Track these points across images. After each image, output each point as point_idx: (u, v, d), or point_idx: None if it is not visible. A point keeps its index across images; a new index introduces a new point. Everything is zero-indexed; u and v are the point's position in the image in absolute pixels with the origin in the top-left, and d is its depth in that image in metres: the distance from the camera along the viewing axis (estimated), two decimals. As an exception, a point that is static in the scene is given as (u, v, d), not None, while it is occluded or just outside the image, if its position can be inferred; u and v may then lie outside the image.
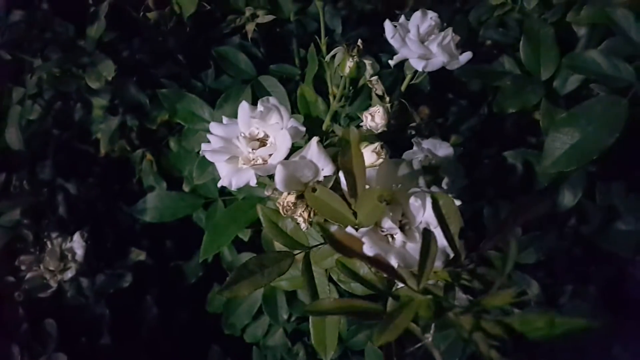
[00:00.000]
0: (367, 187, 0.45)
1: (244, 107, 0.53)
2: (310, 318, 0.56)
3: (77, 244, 0.95)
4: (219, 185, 0.52)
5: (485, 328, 0.30)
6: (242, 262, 0.89)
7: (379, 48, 0.84)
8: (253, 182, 0.50)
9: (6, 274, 0.95)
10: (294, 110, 0.74)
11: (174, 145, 0.98)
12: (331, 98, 0.67)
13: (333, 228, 0.38)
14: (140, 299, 1.06)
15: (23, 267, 0.94)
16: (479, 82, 0.85)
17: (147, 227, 1.07)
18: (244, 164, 0.51)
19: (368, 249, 0.37)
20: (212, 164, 0.79)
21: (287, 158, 0.51)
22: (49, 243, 0.95)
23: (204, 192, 0.90)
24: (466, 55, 0.60)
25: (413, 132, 0.65)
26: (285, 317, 0.84)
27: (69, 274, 0.94)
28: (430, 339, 0.32)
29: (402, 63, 0.64)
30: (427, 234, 0.35)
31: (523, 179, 0.69)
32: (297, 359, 0.86)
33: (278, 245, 0.77)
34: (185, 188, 0.96)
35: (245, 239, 0.86)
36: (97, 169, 1.10)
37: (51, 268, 0.94)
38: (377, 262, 0.33)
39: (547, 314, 0.28)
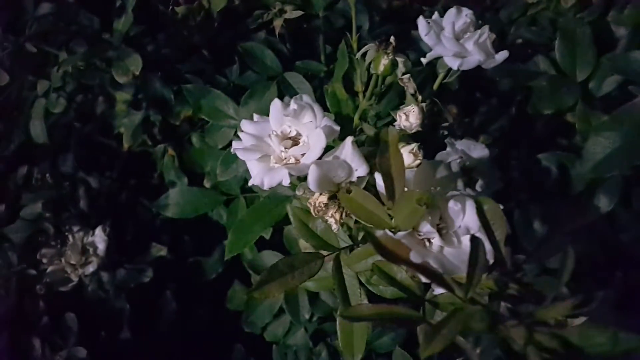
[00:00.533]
0: (405, 189, 0.44)
1: (276, 104, 0.52)
2: (338, 320, 0.55)
3: (98, 238, 0.95)
4: (250, 184, 0.51)
5: (540, 341, 0.29)
6: (262, 260, 0.90)
7: (407, 45, 0.83)
8: (286, 182, 0.48)
9: (28, 267, 0.95)
10: (320, 107, 0.74)
11: (196, 141, 0.97)
12: (360, 96, 0.66)
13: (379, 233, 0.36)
14: (160, 294, 1.06)
15: (44, 261, 0.94)
16: (508, 82, 0.83)
17: (168, 222, 1.07)
18: (276, 163, 0.50)
19: (415, 257, 0.35)
20: (236, 160, 0.79)
21: (320, 158, 0.49)
22: (70, 237, 0.95)
23: (225, 189, 0.90)
24: (503, 54, 0.59)
25: (446, 133, 0.63)
26: (307, 316, 0.83)
27: (91, 268, 0.94)
28: (478, 352, 0.31)
29: (432, 61, 0.63)
30: (475, 241, 0.33)
31: (556, 182, 0.67)
32: (319, 359, 0.85)
33: (303, 245, 0.76)
34: (207, 184, 0.96)
35: (267, 236, 0.85)
36: (119, 163, 1.10)
37: (72, 262, 0.94)
38: (424, 270, 0.32)
39: (609, 329, 0.26)
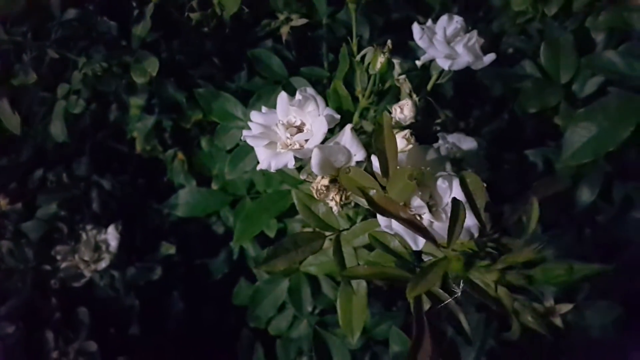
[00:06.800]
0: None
1: (282, 97, 0.57)
2: (338, 301, 0.60)
3: (111, 235, 0.99)
4: (258, 168, 0.56)
5: (510, 280, 0.33)
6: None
7: (405, 55, 0.88)
8: (291, 165, 0.53)
9: (43, 262, 0.99)
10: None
11: (205, 145, 1.02)
12: (360, 97, 0.71)
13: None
14: (168, 293, 1.10)
15: (59, 257, 0.98)
16: (500, 88, 0.88)
17: (176, 224, 1.12)
18: (282, 148, 0.55)
19: (403, 212, 0.40)
20: (243, 159, 0.84)
21: (322, 143, 0.54)
22: (83, 234, 0.99)
23: (232, 190, 0.95)
24: (490, 57, 0.64)
25: (438, 128, 0.68)
26: (310, 308, 0.87)
27: (103, 264, 0.98)
28: (459, 294, 0.36)
29: (428, 66, 0.69)
30: (456, 202, 0.38)
31: (543, 177, 0.72)
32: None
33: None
34: (214, 186, 1.01)
35: (272, 235, 0.89)
36: (130, 167, 1.15)
37: (86, 258, 0.98)
38: (411, 223, 0.37)
39: (566, 262, 0.31)
